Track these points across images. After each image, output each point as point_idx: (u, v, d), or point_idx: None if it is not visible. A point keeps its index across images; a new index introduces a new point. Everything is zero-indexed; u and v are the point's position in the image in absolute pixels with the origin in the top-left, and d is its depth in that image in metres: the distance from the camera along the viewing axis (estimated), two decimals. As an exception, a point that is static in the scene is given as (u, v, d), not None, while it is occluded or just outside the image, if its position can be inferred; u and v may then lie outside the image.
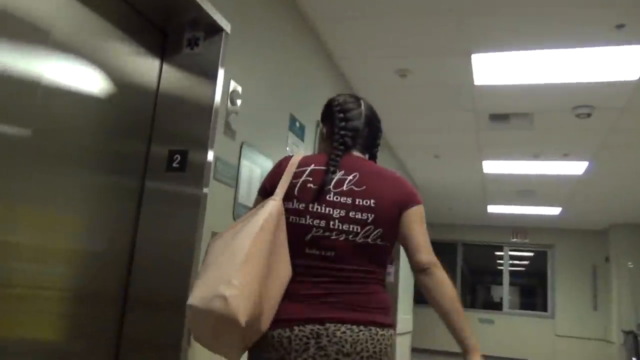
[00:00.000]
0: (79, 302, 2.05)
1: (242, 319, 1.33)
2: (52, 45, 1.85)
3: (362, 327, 1.46)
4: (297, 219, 1.54)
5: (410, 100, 4.78)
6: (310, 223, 1.53)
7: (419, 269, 1.56)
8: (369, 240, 1.54)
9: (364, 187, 1.58)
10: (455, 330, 1.53)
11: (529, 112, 4.85)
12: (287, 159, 1.66)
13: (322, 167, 1.60)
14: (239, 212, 2.66)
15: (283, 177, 1.59)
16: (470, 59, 3.88)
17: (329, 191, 1.55)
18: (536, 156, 6.10)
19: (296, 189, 1.56)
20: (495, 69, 4.02)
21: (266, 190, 1.63)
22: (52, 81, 1.86)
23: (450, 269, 11.17)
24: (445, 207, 9.51)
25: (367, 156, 1.78)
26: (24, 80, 1.74)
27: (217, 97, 2.41)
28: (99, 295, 2.17)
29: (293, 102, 3.36)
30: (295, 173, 1.59)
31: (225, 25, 2.48)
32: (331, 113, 1.74)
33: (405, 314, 7.38)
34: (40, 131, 1.81)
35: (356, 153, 1.71)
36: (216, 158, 2.44)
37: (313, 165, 1.61)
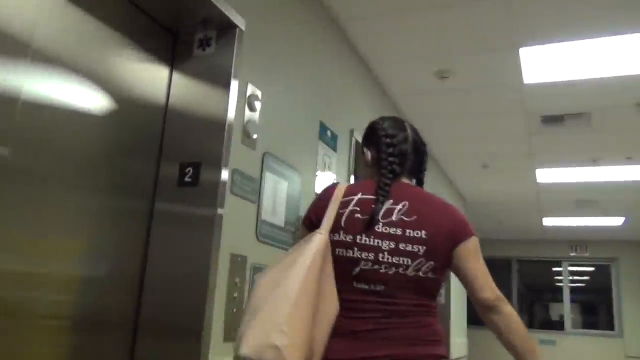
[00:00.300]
0: (85, 331, 1.86)
1: None
2: (36, 56, 1.64)
3: None
4: (345, 251, 1.49)
5: (453, 104, 4.43)
6: (359, 256, 1.48)
7: (485, 307, 1.50)
8: (420, 273, 1.48)
9: (414, 217, 1.51)
10: None
11: (585, 112, 4.41)
12: (332, 188, 1.60)
13: (370, 196, 1.53)
14: (263, 231, 2.37)
15: (329, 207, 1.53)
16: (518, 53, 3.51)
17: (377, 222, 1.50)
18: (595, 161, 5.60)
19: (343, 219, 1.51)
20: (546, 63, 3.63)
21: (312, 222, 1.57)
22: (36, 96, 1.65)
23: (505, 287, 10.83)
24: (496, 221, 8.99)
25: (414, 182, 1.70)
26: (4, 97, 1.53)
27: (232, 102, 2.15)
28: (108, 323, 1.97)
29: (323, 109, 3.07)
30: (341, 202, 1.53)
31: (240, 21, 2.23)
32: (376, 137, 1.67)
33: (458, 338, 6.89)
34: (31, 152, 1.63)
35: (404, 180, 1.64)
36: (233, 170, 2.17)
37: (360, 194, 1.54)
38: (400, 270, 1.47)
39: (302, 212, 2.72)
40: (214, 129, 2.13)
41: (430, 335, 1.49)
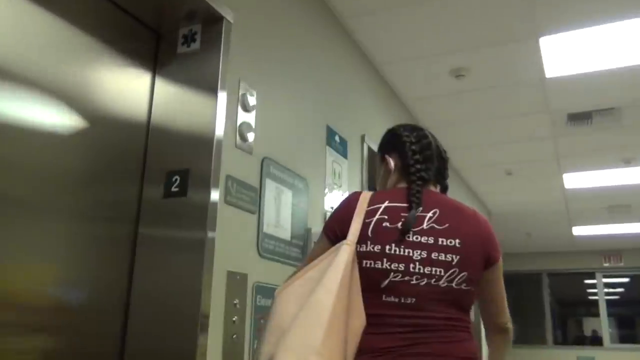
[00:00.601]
0: None
1: None
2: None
3: None
4: (372, 263, 1.40)
5: (470, 107, 4.15)
6: (388, 267, 1.39)
7: (500, 330, 1.56)
8: (454, 284, 1.41)
9: (447, 225, 1.44)
10: None
11: (615, 107, 4.10)
12: (355, 196, 1.50)
13: (399, 204, 1.46)
14: (266, 246, 2.10)
15: (355, 217, 1.44)
16: (538, 44, 3.24)
17: (407, 231, 1.41)
18: (627, 162, 5.26)
19: (370, 229, 1.42)
20: (569, 53, 3.36)
21: (335, 233, 1.47)
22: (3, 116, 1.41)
23: (536, 302, 10.38)
24: (523, 233, 8.60)
25: (438, 189, 1.63)
26: None
27: (221, 100, 1.92)
28: (91, 356, 1.69)
29: (329, 113, 2.82)
30: (367, 212, 1.44)
31: (227, 13, 2.00)
32: (400, 143, 1.61)
33: (492, 358, 6.48)
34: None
35: (431, 187, 1.57)
36: (227, 177, 1.92)
37: (387, 202, 1.46)
38: (433, 281, 1.40)
39: (311, 224, 2.46)
40: (202, 131, 1.89)
41: (462, 352, 1.39)
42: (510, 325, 1.56)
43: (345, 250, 1.37)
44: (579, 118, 4.29)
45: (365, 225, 1.42)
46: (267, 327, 1.36)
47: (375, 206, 1.45)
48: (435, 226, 1.44)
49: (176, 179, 1.88)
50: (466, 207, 1.54)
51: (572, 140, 4.77)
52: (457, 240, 1.43)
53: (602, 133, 4.58)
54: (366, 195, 1.49)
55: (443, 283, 1.40)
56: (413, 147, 1.57)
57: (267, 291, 2.08)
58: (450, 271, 1.40)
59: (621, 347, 9.85)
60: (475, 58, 3.43)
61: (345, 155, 2.94)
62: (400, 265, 1.39)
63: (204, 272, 1.73)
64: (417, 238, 1.41)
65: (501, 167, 5.54)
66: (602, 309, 10.06)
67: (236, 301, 1.89)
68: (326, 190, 2.68)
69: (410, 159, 1.55)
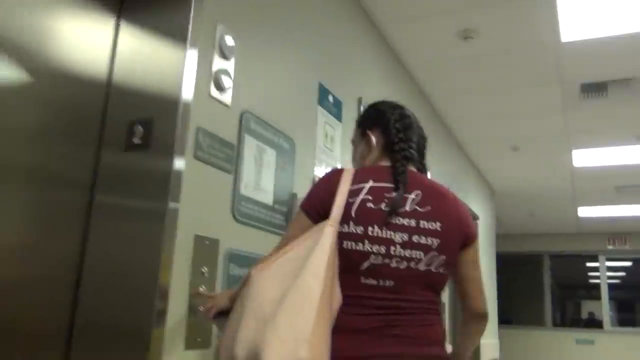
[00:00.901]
0: (10, 340, 1.43)
1: None
2: None
3: None
4: (354, 244, 1.36)
5: (478, 74, 3.88)
6: (369, 249, 1.36)
7: (480, 315, 1.53)
8: (432, 268, 1.40)
9: (429, 207, 1.42)
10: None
11: (632, 77, 3.83)
12: (337, 173, 1.44)
13: (383, 184, 1.42)
14: (243, 209, 1.88)
15: (338, 195, 1.38)
16: (555, 2, 2.96)
17: (393, 213, 1.38)
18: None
19: (353, 209, 1.38)
20: (588, 15, 3.08)
21: (317, 211, 1.40)
22: None
23: (536, 284, 10.21)
24: (526, 213, 8.37)
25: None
26: None
27: (192, 43, 1.68)
28: (36, 331, 1.50)
29: (322, 69, 2.57)
30: (350, 191, 1.39)
31: (202, -59, 1.74)
32: (384, 120, 1.56)
33: (489, 339, 6.31)
34: None
35: (412, 167, 1.53)
36: (197, 129, 1.69)
37: (371, 181, 1.42)
38: (412, 264, 1.38)
39: (297, 189, 2.24)
40: (169, 76, 1.65)
41: (434, 335, 1.41)
42: (487, 311, 1.54)
43: (330, 232, 1.32)
44: (593, 89, 4.02)
45: (348, 205, 1.37)
46: (244, 310, 1.25)
47: (359, 185, 1.40)
48: (418, 208, 1.41)
49: (139, 130, 1.65)
50: (446, 190, 1.52)
51: (584, 114, 4.51)
52: (438, 224, 1.41)
53: (616, 106, 4.31)
54: (349, 173, 1.43)
55: (422, 267, 1.38)
56: (397, 124, 1.53)
57: (243, 260, 1.86)
58: (430, 255, 1.39)
59: (621, 331, 9.71)
60: (486, 18, 3.16)
61: (339, 118, 2.69)
62: (381, 248, 1.36)
63: (164, 235, 1.52)
64: (399, 220, 1.38)
65: (507, 141, 5.28)
66: (604, 292, 9.88)
67: (204, 269, 1.68)
68: (316, 153, 2.44)
69: (395, 137, 1.51)
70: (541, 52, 3.53)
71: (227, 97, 1.85)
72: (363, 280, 1.35)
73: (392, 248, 1.36)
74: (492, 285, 6.83)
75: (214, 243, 1.74)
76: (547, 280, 10.39)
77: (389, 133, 1.53)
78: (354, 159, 1.65)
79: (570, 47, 3.45)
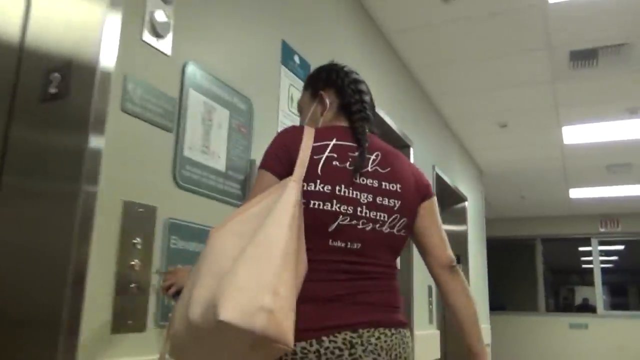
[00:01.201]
0: None
1: (291, 338, 1.06)
2: None
3: (393, 330, 1.31)
4: (322, 204, 1.28)
5: (461, 41, 3.65)
6: (337, 209, 1.28)
7: (446, 266, 1.43)
8: (395, 230, 1.37)
9: (389, 169, 1.39)
10: (477, 337, 1.44)
11: (624, 42, 3.61)
12: (298, 129, 1.36)
13: (346, 143, 1.37)
14: (187, 174, 1.64)
15: (301, 152, 1.29)
16: (540, -45, 2.73)
17: (358, 170, 1.33)
18: (632, 112, 4.79)
19: (320, 167, 1.30)
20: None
21: (282, 167, 1.30)
22: None
23: (529, 269, 10.06)
24: (517, 195, 8.17)
25: None
26: None
27: (118, -27, 1.42)
28: None
29: (287, 27, 2.33)
30: (314, 147, 1.31)
31: None
32: (340, 81, 1.51)
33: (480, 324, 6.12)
34: None
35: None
36: (125, 77, 1.45)
37: (335, 139, 1.35)
38: (377, 226, 1.34)
39: (256, 155, 2.00)
40: (90, 14, 1.40)
41: (396, 301, 1.37)
42: (456, 265, 1.44)
43: (294, 188, 1.22)
44: (582, 57, 3.80)
45: (314, 162, 1.29)
46: (200, 269, 1.14)
47: (323, 142, 1.33)
48: (379, 169, 1.37)
49: (55, 78, 1.40)
50: (399, 152, 1.50)
51: (573, 85, 4.29)
52: (399, 185, 1.38)
53: (607, 76, 4.09)
54: (311, 130, 1.36)
55: (386, 229, 1.35)
56: (354, 86, 1.49)
57: (188, 232, 1.63)
58: (393, 217, 1.36)
59: (614, 314, 9.55)
60: (466, -25, 2.93)
61: (307, 81, 2.45)
62: (349, 208, 1.30)
63: (79, 197, 1.27)
64: (363, 180, 1.33)
65: (494, 117, 5.05)
66: (597, 276, 9.73)
67: (137, 240, 1.44)
68: (280, 117, 2.20)
69: (352, 97, 1.47)
70: (528, 14, 3.30)
71: (165, 45, 1.60)
72: (331, 242, 1.28)
73: (359, 209, 1.31)
74: (483, 270, 6.63)
75: (150, 211, 1.50)
76: (539, 265, 10.23)
77: (345, 94, 1.48)
78: (306, 121, 1.53)
79: (558, 9, 3.22)
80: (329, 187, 1.28)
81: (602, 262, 10.01)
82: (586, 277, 10.22)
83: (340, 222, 1.29)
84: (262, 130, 2.07)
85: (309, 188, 1.27)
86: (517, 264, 10.32)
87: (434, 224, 1.45)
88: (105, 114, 1.36)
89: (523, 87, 4.39)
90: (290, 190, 1.21)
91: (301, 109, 1.59)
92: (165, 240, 1.54)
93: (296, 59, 2.37)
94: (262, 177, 1.30)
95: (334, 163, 1.31)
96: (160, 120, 1.56)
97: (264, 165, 1.32)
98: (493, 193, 7.71)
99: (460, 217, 5.72)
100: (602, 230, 9.70)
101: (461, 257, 5.66)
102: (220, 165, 1.81)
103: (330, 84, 1.51)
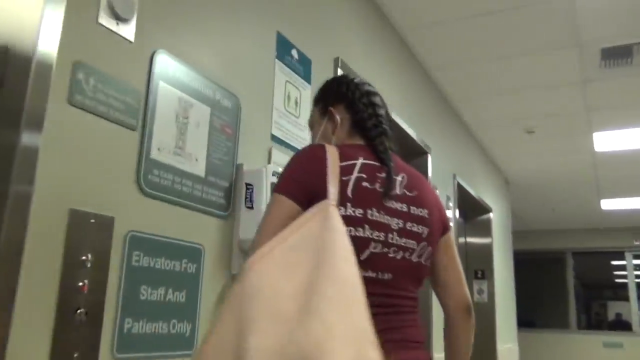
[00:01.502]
0: None
1: None
2: None
3: None
4: (354, 230, 1.15)
5: (484, 37, 3.38)
6: (369, 235, 1.18)
7: (463, 308, 1.34)
8: (422, 260, 1.28)
9: (416, 192, 1.29)
10: None
11: (662, 37, 3.30)
12: (320, 148, 1.21)
13: (372, 162, 1.24)
14: (155, 179, 1.42)
15: (329, 172, 1.15)
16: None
17: (388, 193, 1.23)
18: (670, 116, 4.44)
19: (349, 189, 1.17)
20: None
21: (306, 192, 1.14)
22: None
23: (559, 284, 9.63)
24: (547, 207, 7.79)
25: None
26: None
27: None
28: None
29: (283, 16, 2.11)
30: (341, 167, 1.18)
31: None
32: (351, 94, 1.37)
33: (507, 343, 5.76)
34: None
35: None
36: (75, 64, 1.23)
37: (362, 158, 1.23)
38: (407, 255, 1.24)
39: (244, 159, 1.77)
40: (31, -10, 1.19)
41: (420, 337, 1.26)
42: (471, 303, 1.36)
43: (337, 213, 1.08)
44: (615, 54, 3.50)
45: (342, 184, 1.17)
46: (246, 311, 0.95)
47: (350, 162, 1.21)
48: (407, 192, 1.28)
49: (-10, 64, 1.19)
50: (422, 176, 1.41)
51: (605, 86, 3.98)
52: (426, 211, 1.30)
53: (643, 76, 3.78)
54: (333, 149, 1.22)
55: (415, 258, 1.26)
56: (364, 99, 1.36)
57: (155, 246, 1.40)
58: (421, 245, 1.27)
59: (653, 333, 9.06)
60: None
61: (307, 79, 2.22)
62: (380, 235, 1.20)
63: (7, 200, 1.05)
64: (393, 204, 1.23)
65: (520, 122, 4.74)
66: (632, 291, 9.26)
67: (87, 257, 1.21)
68: (274, 117, 1.97)
69: (364, 112, 1.35)
70: (554, 8, 3.02)
71: (128, 30, 1.39)
72: (363, 273, 1.08)
73: (390, 235, 1.21)
74: (510, 284, 6.28)
75: (106, 222, 1.27)
76: (570, 280, 9.80)
77: (356, 109, 1.36)
78: (317, 141, 1.40)
79: (588, 1, 2.94)
80: (361, 211, 1.17)
81: (637, 276, 9.56)
82: (619, 292, 9.78)
83: (372, 250, 1.18)
84: (252, 131, 1.83)
85: (340, 212, 1.13)
86: (547, 278, 9.95)
87: (454, 259, 1.37)
88: (45, 107, 1.14)
89: (550, 90, 4.09)
90: (335, 217, 1.07)
91: (312, 126, 1.47)
92: (127, 257, 1.31)
93: (294, 53, 2.14)
94: (281, 203, 1.15)
95: (363, 184, 1.19)
96: (121, 116, 1.33)
97: (282, 189, 1.17)
98: (520, 204, 7.36)
99: (484, 228, 5.41)
100: (637, 243, 9.25)
101: (485, 270, 5.35)
102: (199, 169, 1.58)
103: (339, 98, 1.39)
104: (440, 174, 3.83)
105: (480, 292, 5.27)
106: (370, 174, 1.22)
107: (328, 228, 1.05)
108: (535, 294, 9.24)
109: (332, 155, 1.20)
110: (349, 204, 1.16)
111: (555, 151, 5.43)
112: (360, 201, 1.18)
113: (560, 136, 5.04)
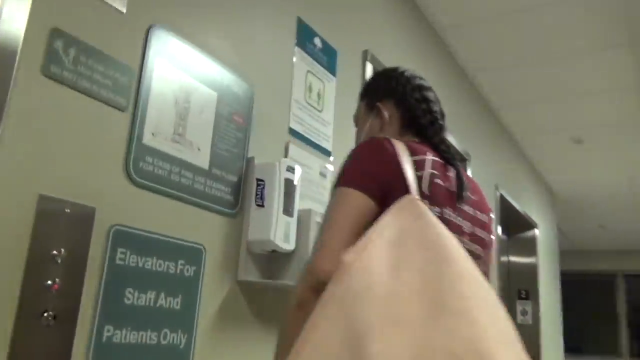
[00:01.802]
0: None
1: None
2: None
3: None
4: None
5: (527, 36, 3.14)
6: None
7: None
8: (487, 268, 1.19)
9: (477, 196, 1.21)
10: None
11: None
12: (388, 141, 1.09)
13: (439, 159, 1.14)
14: (145, 167, 1.25)
15: (404, 166, 1.05)
16: None
17: (462, 192, 1.14)
18: None
19: (425, 185, 1.07)
20: None
21: (382, 187, 1.03)
22: None
23: (608, 308, 9.10)
24: (595, 224, 7.35)
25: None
26: None
27: None
28: None
29: (307, 2, 1.94)
30: (414, 162, 1.08)
31: None
32: (399, 87, 1.26)
33: (555, 368, 5.37)
34: None
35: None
36: (54, 32, 1.08)
37: (429, 153, 1.13)
38: (475, 261, 1.04)
39: (256, 152, 1.59)
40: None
41: None
42: None
43: (427, 208, 0.98)
44: (676, 53, 3.20)
45: (417, 179, 1.07)
46: (361, 315, 0.83)
47: (421, 157, 1.11)
48: (471, 196, 1.19)
49: (-41, 32, 1.05)
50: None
51: (663, 90, 3.66)
52: (486, 217, 1.22)
53: None
54: (398, 142, 1.11)
55: (481, 266, 1.10)
56: (416, 94, 1.26)
57: (145, 244, 1.22)
58: (486, 252, 1.19)
59: None
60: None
61: (332, 71, 2.04)
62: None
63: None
64: (463, 206, 1.15)
65: (567, 131, 4.43)
66: (691, 317, 8.65)
67: (59, 251, 1.05)
68: (292, 109, 1.79)
69: (417, 109, 1.25)
70: (607, 2, 2.76)
71: (121, 1, 1.23)
72: None
73: (463, 239, 1.11)
74: (557, 307, 5.89)
75: (85, 212, 1.11)
76: (621, 304, 9.27)
77: (408, 105, 1.25)
78: (359, 139, 1.30)
79: (645, -9, 2.68)
80: (438, 210, 1.08)
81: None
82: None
83: None
84: (267, 122, 1.66)
85: None
86: (595, 301, 9.42)
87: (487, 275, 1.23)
88: (10, 77, 0.99)
89: (601, 95, 3.78)
90: (430, 213, 0.97)
91: (357, 122, 1.35)
92: (109, 254, 1.14)
93: (317, 42, 1.96)
94: (354, 198, 1.03)
95: (436, 181, 1.10)
96: (108, 94, 1.18)
97: (354, 182, 1.05)
98: (567, 221, 6.96)
99: (529, 246, 5.07)
100: (695, 265, 8.68)
101: (530, 292, 5.01)
102: (201, 160, 1.40)
103: (389, 93, 1.29)
104: (481, 184, 3.56)
105: (523, 312, 4.93)
106: (441, 172, 1.13)
107: (429, 224, 0.95)
108: (582, 318, 8.78)
109: (401, 148, 1.10)
110: (426, 202, 1.05)
111: (606, 163, 5.08)
112: (436, 199, 1.09)
113: (612, 146, 4.69)
